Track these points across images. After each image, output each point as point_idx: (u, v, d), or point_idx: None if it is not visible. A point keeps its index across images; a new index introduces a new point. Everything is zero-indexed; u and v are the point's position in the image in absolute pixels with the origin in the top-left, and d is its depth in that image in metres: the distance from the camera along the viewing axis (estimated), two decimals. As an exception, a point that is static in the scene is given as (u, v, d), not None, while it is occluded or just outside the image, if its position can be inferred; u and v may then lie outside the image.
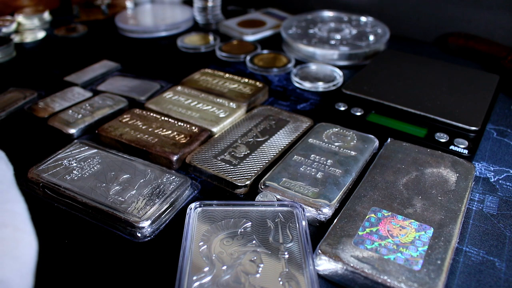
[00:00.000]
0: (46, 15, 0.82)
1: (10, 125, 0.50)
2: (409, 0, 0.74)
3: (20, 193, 0.28)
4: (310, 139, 0.43)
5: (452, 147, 0.43)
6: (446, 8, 0.71)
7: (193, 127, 0.46)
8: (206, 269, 0.29)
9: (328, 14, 0.76)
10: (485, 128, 0.47)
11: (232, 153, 0.42)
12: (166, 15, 0.82)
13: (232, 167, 0.40)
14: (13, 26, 0.78)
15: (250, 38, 0.73)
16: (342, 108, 0.49)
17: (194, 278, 0.29)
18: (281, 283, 0.28)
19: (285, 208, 0.34)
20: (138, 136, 0.44)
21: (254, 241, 0.31)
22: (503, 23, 0.67)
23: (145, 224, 0.34)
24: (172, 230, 0.35)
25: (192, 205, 0.34)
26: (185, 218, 0.33)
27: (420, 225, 0.32)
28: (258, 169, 0.40)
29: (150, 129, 0.45)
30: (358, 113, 0.48)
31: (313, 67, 0.62)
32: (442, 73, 0.55)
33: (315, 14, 0.76)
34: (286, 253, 0.30)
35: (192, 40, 0.72)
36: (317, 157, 0.40)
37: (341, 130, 0.45)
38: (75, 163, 0.40)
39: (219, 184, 0.40)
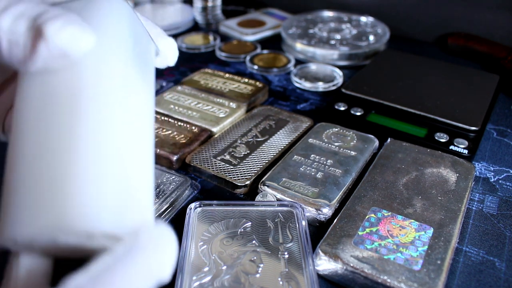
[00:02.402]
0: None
1: (10, 125, 0.50)
2: (409, 0, 0.74)
3: None
4: (310, 139, 0.43)
5: (452, 147, 0.43)
6: (446, 8, 0.71)
7: (193, 127, 0.46)
8: (206, 269, 0.29)
9: (328, 14, 0.76)
10: (485, 128, 0.47)
11: (232, 153, 0.42)
12: (166, 15, 0.82)
13: (232, 167, 0.40)
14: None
15: (250, 38, 0.73)
16: (342, 108, 0.49)
17: (194, 278, 0.29)
18: (281, 283, 0.28)
19: (285, 208, 0.34)
20: (138, 136, 0.44)
21: (254, 241, 0.31)
22: (503, 23, 0.67)
23: (145, 224, 0.34)
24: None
25: (192, 205, 0.34)
26: (185, 218, 0.33)
27: (420, 225, 0.32)
28: (258, 169, 0.40)
29: (150, 129, 0.45)
30: (358, 113, 0.48)
31: (313, 67, 0.62)
32: (442, 73, 0.55)
33: (315, 14, 0.76)
34: (286, 253, 0.30)
35: (192, 40, 0.72)
36: (317, 157, 0.40)
37: (341, 130, 0.45)
38: (75, 163, 0.40)
39: (219, 184, 0.40)
